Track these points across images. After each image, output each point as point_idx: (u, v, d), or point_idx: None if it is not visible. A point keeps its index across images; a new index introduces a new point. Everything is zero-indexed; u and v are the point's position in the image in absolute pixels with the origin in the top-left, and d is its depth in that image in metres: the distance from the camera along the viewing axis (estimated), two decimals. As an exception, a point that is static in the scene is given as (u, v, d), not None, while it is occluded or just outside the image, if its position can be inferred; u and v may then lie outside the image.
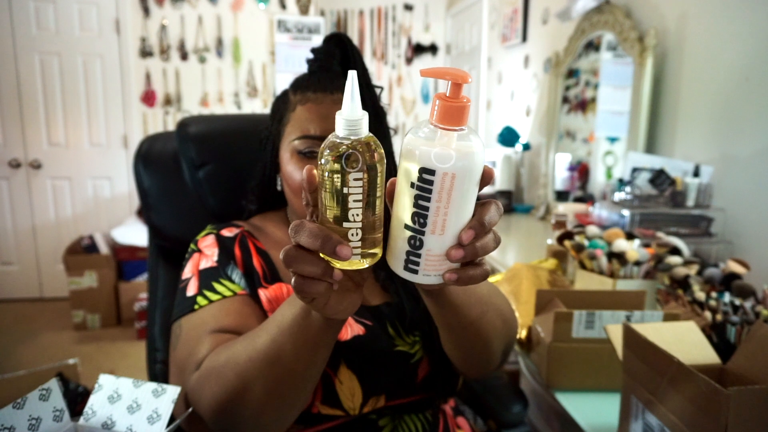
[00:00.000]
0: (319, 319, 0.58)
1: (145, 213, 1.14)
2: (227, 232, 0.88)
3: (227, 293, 0.79)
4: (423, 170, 0.45)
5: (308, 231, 0.47)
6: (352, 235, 0.48)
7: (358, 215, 0.47)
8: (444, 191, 0.45)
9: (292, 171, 0.84)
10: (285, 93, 0.91)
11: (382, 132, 0.89)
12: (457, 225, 0.47)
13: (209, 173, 1.07)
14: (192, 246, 0.89)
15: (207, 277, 0.81)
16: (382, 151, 0.47)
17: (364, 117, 0.46)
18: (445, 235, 0.47)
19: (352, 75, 0.46)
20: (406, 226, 0.48)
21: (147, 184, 1.12)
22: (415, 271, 0.50)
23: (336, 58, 0.89)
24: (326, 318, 0.57)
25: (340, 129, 0.46)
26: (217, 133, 1.11)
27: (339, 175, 0.45)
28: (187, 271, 0.84)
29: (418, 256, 0.49)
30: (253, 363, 0.63)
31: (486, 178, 0.48)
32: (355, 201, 0.46)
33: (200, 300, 0.79)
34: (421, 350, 0.85)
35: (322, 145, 0.47)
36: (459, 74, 0.44)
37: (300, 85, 0.88)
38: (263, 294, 0.82)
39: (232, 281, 0.81)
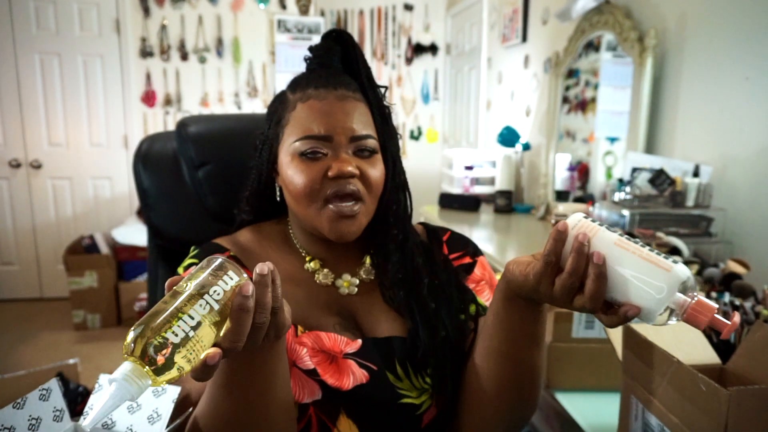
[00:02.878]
0: (253, 358, 0.61)
1: (145, 213, 1.14)
2: None
3: None
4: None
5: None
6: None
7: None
8: None
9: (293, 175, 0.77)
10: (282, 93, 0.85)
11: (388, 132, 0.83)
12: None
13: (209, 173, 1.07)
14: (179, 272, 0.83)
15: None
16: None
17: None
18: None
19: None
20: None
21: (147, 184, 1.12)
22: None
23: (336, 55, 0.83)
24: (257, 353, 0.60)
25: None
26: (217, 133, 1.10)
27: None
28: None
29: None
30: (220, 422, 0.65)
31: None
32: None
33: None
34: (429, 400, 0.79)
35: None
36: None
37: (299, 83, 0.82)
38: None
39: None
